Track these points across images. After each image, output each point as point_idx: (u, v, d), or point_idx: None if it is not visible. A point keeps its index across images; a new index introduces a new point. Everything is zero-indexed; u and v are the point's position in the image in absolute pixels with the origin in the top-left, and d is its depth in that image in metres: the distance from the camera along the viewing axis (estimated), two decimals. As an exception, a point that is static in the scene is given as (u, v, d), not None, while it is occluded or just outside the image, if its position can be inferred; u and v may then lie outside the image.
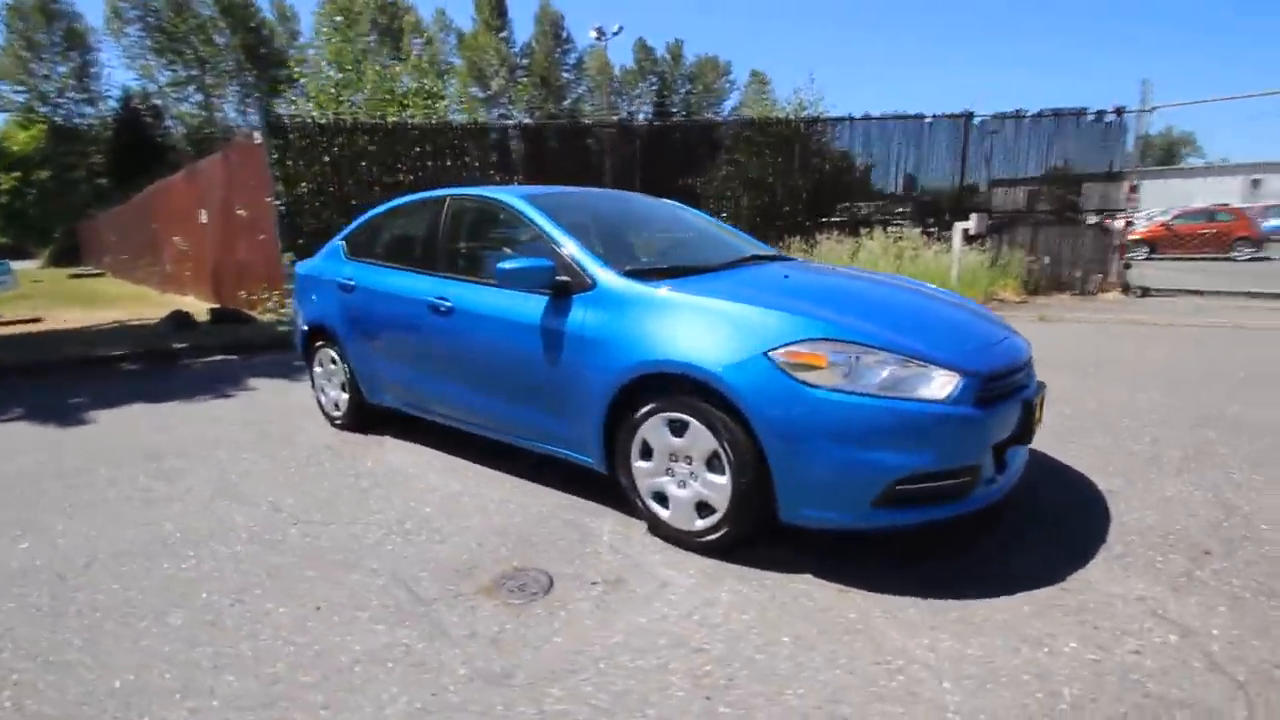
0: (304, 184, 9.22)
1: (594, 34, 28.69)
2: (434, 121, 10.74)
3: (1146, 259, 14.89)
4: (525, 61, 46.77)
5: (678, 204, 4.04)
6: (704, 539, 2.31)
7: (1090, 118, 10.21)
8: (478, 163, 9.94)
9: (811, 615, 1.99)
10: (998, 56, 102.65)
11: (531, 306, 2.73)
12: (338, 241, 4.06)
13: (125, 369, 6.21)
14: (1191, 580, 2.11)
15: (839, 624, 1.95)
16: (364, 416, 3.92)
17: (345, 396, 3.93)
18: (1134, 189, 10.04)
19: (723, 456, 2.22)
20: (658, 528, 2.48)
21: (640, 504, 2.50)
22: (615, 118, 35.80)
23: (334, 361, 3.95)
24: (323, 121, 9.66)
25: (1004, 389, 2.23)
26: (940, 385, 2.07)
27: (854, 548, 2.34)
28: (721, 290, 2.47)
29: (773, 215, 10.67)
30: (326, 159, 9.24)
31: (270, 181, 8.87)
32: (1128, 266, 10.32)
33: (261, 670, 1.80)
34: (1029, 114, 10.44)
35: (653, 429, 2.39)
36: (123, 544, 2.59)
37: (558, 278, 2.65)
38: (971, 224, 9.87)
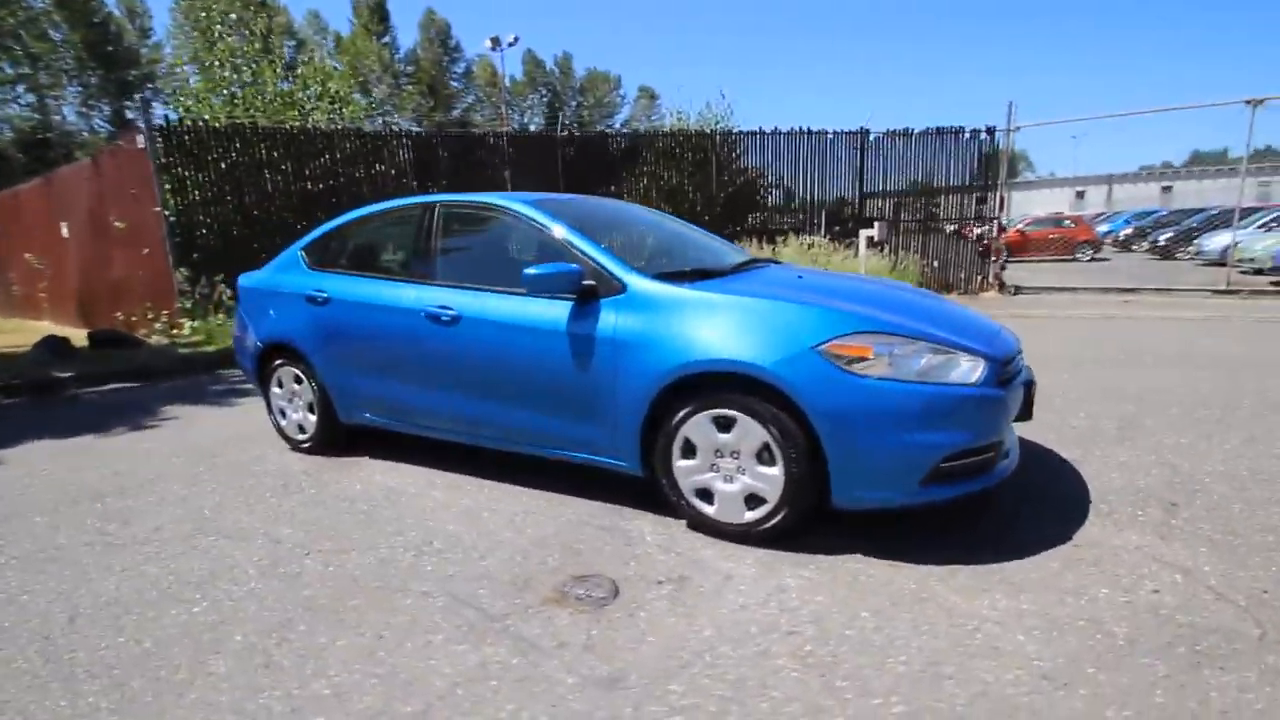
0: (196, 193, 8.42)
1: (489, 43, 28.26)
2: (341, 127, 10.15)
3: (1007, 261, 16.74)
4: (410, 69, 45.10)
5: (659, 211, 4.11)
6: (760, 528, 2.38)
7: (967, 135, 11.38)
8: (393, 170, 9.51)
9: (878, 590, 2.12)
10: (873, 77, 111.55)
11: (554, 312, 2.70)
12: (296, 251, 3.79)
13: (3, 404, 5.39)
14: (1171, 529, 2.45)
15: (905, 595, 2.09)
16: (334, 438, 3.67)
17: (313, 418, 3.66)
18: (981, 200, 11.35)
19: (774, 448, 2.31)
20: (701, 524, 2.52)
21: (684, 503, 2.53)
22: (509, 128, 35.32)
23: (298, 380, 3.67)
24: (216, 125, 8.86)
25: (1012, 372, 2.48)
26: (969, 369, 2.28)
27: (879, 529, 2.49)
28: (750, 290, 2.57)
29: (691, 222, 11.01)
30: (224, 165, 8.49)
31: (157, 191, 8.02)
32: (1003, 268, 11.62)
33: (352, 707, 1.67)
34: (915, 131, 11.49)
35: (696, 427, 2.44)
36: (105, 595, 2.28)
37: (584, 282, 2.64)
38: (875, 231, 10.70)
